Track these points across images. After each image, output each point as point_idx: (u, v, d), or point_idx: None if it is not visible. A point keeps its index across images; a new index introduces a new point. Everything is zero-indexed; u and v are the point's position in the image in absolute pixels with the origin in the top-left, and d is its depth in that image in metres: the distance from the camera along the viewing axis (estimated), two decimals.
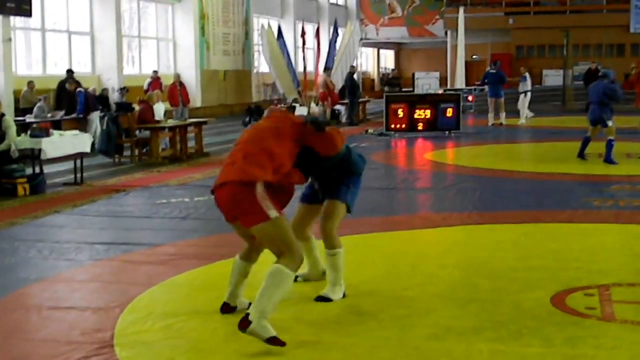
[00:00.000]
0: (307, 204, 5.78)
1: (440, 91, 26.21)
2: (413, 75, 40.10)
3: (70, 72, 17.94)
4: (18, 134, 11.04)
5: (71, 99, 16.85)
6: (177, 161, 14.23)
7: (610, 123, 12.62)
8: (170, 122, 15.22)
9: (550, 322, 4.96)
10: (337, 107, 23.56)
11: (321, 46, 27.33)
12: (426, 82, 36.47)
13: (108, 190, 10.85)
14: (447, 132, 17.98)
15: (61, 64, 20.22)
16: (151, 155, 14.19)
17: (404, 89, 37.60)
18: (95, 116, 15.82)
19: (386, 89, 36.62)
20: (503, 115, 21.11)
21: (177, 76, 21.85)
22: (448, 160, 14.53)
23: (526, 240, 7.43)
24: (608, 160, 12.59)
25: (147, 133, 14.33)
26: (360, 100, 24.73)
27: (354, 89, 23.37)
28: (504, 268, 6.32)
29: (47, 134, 11.02)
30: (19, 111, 16.55)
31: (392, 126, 18.34)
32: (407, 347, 4.56)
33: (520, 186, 10.87)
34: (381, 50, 47.07)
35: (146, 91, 19.21)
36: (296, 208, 5.76)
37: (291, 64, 25.50)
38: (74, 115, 16.51)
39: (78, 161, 11.59)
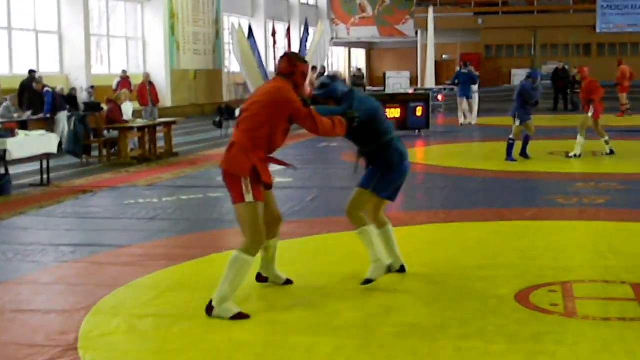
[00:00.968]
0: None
1: (411, 91, 26.34)
2: (384, 74, 40.26)
3: (32, 72, 17.72)
4: None
5: (38, 99, 16.68)
6: (146, 161, 14.15)
7: (518, 123, 12.84)
8: (139, 122, 15.12)
9: (515, 318, 5.02)
10: None
11: (292, 45, 27.33)
12: (397, 82, 36.62)
13: (75, 191, 10.76)
14: (417, 132, 18.08)
15: (28, 64, 20.00)
16: (120, 155, 14.09)
17: (375, 89, 37.71)
18: (62, 116, 15.67)
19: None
20: (474, 115, 21.26)
21: (147, 76, 21.73)
22: (417, 159, 14.60)
23: (492, 238, 7.50)
24: (508, 158, 12.85)
25: (115, 133, 14.24)
26: None
27: None
28: (469, 266, 6.38)
29: (13, 134, 10.91)
30: None
31: None
32: (372, 346, 4.58)
33: (487, 185, 10.96)
34: (352, 50, 47.18)
35: (115, 91, 19.07)
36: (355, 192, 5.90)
37: (262, 63, 25.47)
38: (41, 115, 16.35)
39: (45, 162, 11.49)
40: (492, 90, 30.43)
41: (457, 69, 23.12)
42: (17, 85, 17.46)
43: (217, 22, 29.61)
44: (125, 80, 21.46)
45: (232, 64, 29.72)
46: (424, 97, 18.99)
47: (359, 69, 45.89)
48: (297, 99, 5.25)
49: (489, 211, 8.85)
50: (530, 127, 12.95)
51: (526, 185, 10.89)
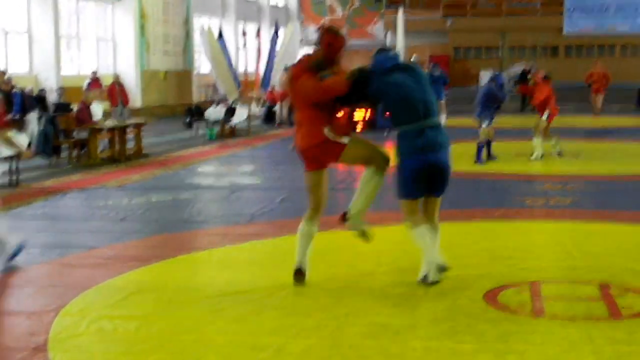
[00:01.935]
0: None
1: None
2: None
3: (1, 72, 17.50)
4: None
5: (7, 99, 16.47)
6: (116, 162, 14.06)
7: (484, 125, 12.99)
8: (109, 123, 15.03)
9: (483, 318, 5.08)
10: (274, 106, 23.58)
11: (262, 47, 27.31)
12: None
13: (45, 192, 10.67)
14: (385, 132, 18.14)
15: None
16: (89, 156, 13.99)
17: None
18: (32, 117, 15.50)
19: None
20: (444, 116, 21.40)
21: (116, 76, 21.57)
22: None
23: (461, 238, 7.57)
24: (477, 160, 13.06)
25: (85, 134, 14.13)
26: None
27: None
28: None
29: None
30: None
31: None
32: (342, 346, 4.62)
33: (455, 185, 10.97)
34: None
35: (86, 92, 18.91)
36: None
37: (232, 64, 25.42)
38: (10, 116, 16.14)
39: (14, 163, 11.37)
40: (460, 92, 30.68)
41: (426, 71, 23.12)
42: None
43: (187, 22, 29.47)
44: (95, 81, 21.29)
45: (202, 65, 29.62)
46: None
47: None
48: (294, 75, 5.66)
49: (458, 212, 8.91)
50: (489, 132, 13.09)
51: (494, 186, 11.00)
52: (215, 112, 19.68)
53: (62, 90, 19.06)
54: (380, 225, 8.21)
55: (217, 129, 19.36)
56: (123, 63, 25.51)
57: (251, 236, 7.75)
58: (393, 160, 5.73)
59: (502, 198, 9.85)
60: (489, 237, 7.57)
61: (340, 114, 5.89)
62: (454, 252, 6.98)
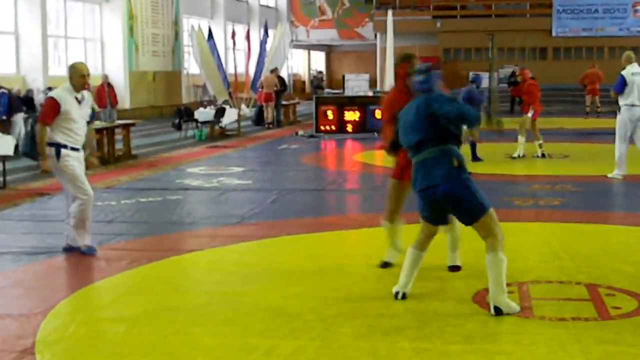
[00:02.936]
0: None
1: (370, 93, 26.47)
2: (343, 77, 40.39)
3: None
4: None
5: None
6: (104, 164, 14.00)
7: (465, 127, 12.98)
8: (98, 124, 14.96)
9: (472, 319, 5.08)
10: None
11: (252, 48, 27.29)
12: (356, 84, 36.72)
13: (32, 194, 10.62)
14: (375, 134, 18.18)
15: None
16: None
17: (334, 91, 37.81)
18: (19, 118, 15.45)
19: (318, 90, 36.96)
20: None
21: (105, 77, 21.52)
22: (377, 161, 14.69)
23: None
24: (474, 159, 13.05)
25: None
26: (289, 102, 24.78)
27: (280, 91, 23.41)
28: (427, 267, 6.40)
29: None
30: None
31: (322, 128, 18.46)
32: (332, 347, 4.61)
33: None
34: (312, 52, 47.24)
35: None
36: None
37: (221, 65, 25.39)
38: None
39: (0, 164, 11.31)
40: (450, 93, 30.67)
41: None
42: None
43: (176, 23, 29.43)
44: None
45: (191, 66, 29.56)
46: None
47: (320, 72, 46.03)
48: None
49: None
50: (474, 132, 13.09)
51: (483, 186, 10.92)
52: (204, 113, 19.65)
53: (50, 91, 18.98)
54: (370, 227, 8.23)
55: (206, 130, 19.33)
56: (111, 64, 25.43)
57: (241, 238, 7.73)
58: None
59: (491, 199, 9.81)
60: (477, 238, 7.54)
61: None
62: (443, 253, 6.98)
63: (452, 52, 38.99)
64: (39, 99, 18.91)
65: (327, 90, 37.61)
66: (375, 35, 39.42)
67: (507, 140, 15.98)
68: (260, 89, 23.76)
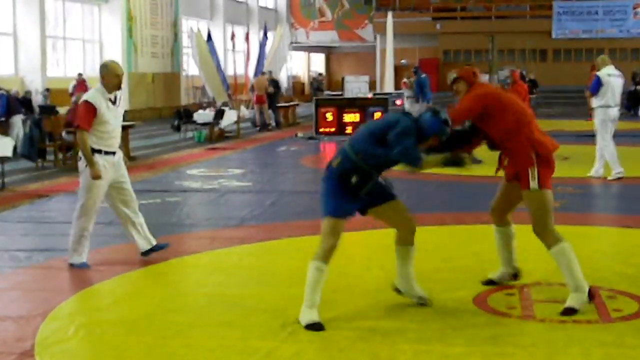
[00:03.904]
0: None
1: (369, 95, 26.47)
2: (343, 79, 40.41)
3: None
4: None
5: None
6: None
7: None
8: None
9: (473, 321, 5.07)
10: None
11: (251, 49, 27.29)
12: (356, 86, 36.72)
13: (30, 196, 10.59)
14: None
15: None
16: (76, 159, 13.87)
17: (334, 93, 37.83)
18: (17, 119, 15.45)
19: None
20: None
21: None
22: None
23: (450, 241, 7.57)
24: (474, 161, 13.04)
25: (71, 137, 14.04)
26: (288, 104, 24.77)
27: (273, 93, 23.40)
28: (427, 269, 6.42)
29: None
30: None
31: (322, 130, 18.45)
32: (332, 350, 4.59)
33: (444, 188, 11.06)
34: (311, 54, 47.26)
35: (71, 94, 18.83)
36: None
37: (220, 67, 25.38)
38: None
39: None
40: (449, 95, 30.72)
41: (414, 77, 22.27)
42: None
43: (176, 25, 29.42)
44: (81, 83, 21.21)
45: (191, 67, 29.57)
46: (383, 102, 19.10)
47: (320, 74, 46.07)
48: None
49: (447, 215, 8.92)
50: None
51: (483, 189, 10.98)
52: (203, 115, 19.63)
53: (48, 93, 18.97)
54: (370, 229, 8.21)
55: (205, 131, 19.31)
56: None
57: (240, 240, 7.71)
58: None
59: (491, 201, 9.81)
60: (478, 240, 7.56)
61: None
62: (443, 255, 6.98)
63: (451, 53, 39.00)
64: (37, 100, 18.90)
65: (326, 92, 37.59)
66: (375, 37, 39.48)
67: None
68: (251, 92, 23.76)
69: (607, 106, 11.31)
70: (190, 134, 19.54)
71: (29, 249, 7.31)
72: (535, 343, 4.67)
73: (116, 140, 6.72)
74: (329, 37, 42.89)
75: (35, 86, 20.45)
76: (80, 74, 21.94)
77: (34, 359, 4.48)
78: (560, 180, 11.45)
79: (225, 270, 6.54)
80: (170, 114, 23.59)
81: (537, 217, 5.53)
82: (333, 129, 18.33)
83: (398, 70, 34.43)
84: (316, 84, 42.40)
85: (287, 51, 29.05)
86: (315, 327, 4.87)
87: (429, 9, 38.82)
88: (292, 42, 36.34)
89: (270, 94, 23.09)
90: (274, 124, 23.01)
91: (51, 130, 14.23)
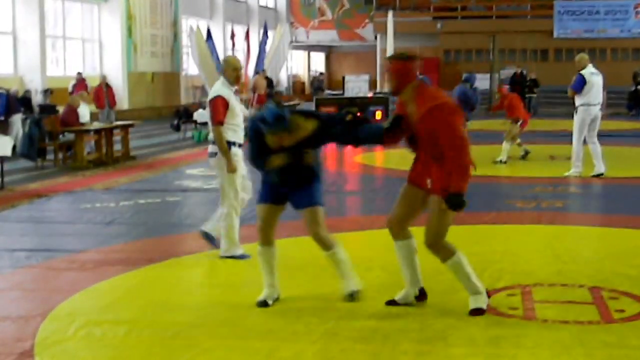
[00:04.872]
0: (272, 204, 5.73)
1: (370, 94, 26.45)
2: (343, 78, 40.40)
3: None
4: None
5: None
6: (103, 165, 13.97)
7: None
8: (96, 125, 14.94)
9: (474, 322, 5.04)
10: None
11: (251, 49, 27.26)
12: (356, 85, 36.72)
13: (30, 195, 10.57)
14: None
15: None
16: (76, 159, 13.88)
17: (334, 92, 37.81)
18: (17, 118, 15.40)
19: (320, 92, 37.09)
20: None
21: (103, 78, 21.47)
22: (377, 163, 14.67)
23: (451, 241, 7.51)
24: None
25: (71, 136, 14.03)
26: (289, 103, 24.71)
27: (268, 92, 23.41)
28: (429, 270, 6.36)
29: None
30: None
31: None
32: (333, 350, 4.57)
33: None
34: (312, 54, 47.22)
35: (71, 93, 18.81)
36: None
37: (220, 66, 25.36)
38: None
39: None
40: (450, 95, 30.73)
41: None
42: None
43: (175, 24, 29.39)
44: (81, 82, 21.19)
45: (190, 67, 29.54)
46: (383, 101, 19.08)
47: (321, 73, 46.01)
48: None
49: None
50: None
51: (485, 189, 10.96)
52: (203, 114, 19.58)
53: (48, 92, 18.94)
54: (371, 229, 8.18)
55: (205, 131, 19.26)
56: (110, 64, 25.40)
57: (240, 239, 7.67)
58: None
59: (492, 201, 9.81)
60: (480, 241, 7.53)
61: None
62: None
63: (452, 53, 38.98)
64: (36, 99, 18.87)
65: (327, 91, 37.59)
66: (375, 37, 39.42)
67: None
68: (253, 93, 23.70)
69: (588, 104, 11.38)
70: (189, 134, 19.52)
71: (28, 249, 7.28)
72: (537, 344, 4.64)
73: (242, 133, 6.78)
74: (329, 36, 42.86)
75: (34, 85, 20.42)
76: (79, 73, 21.91)
77: (34, 359, 4.45)
78: (562, 180, 11.44)
79: (225, 270, 6.51)
80: (169, 114, 23.55)
81: (435, 227, 5.37)
82: None
83: None
84: (317, 83, 42.38)
85: (287, 50, 29.01)
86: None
87: (430, 9, 38.76)
88: (292, 42, 36.31)
89: (267, 93, 23.05)
90: None
91: (51, 129, 14.21)
